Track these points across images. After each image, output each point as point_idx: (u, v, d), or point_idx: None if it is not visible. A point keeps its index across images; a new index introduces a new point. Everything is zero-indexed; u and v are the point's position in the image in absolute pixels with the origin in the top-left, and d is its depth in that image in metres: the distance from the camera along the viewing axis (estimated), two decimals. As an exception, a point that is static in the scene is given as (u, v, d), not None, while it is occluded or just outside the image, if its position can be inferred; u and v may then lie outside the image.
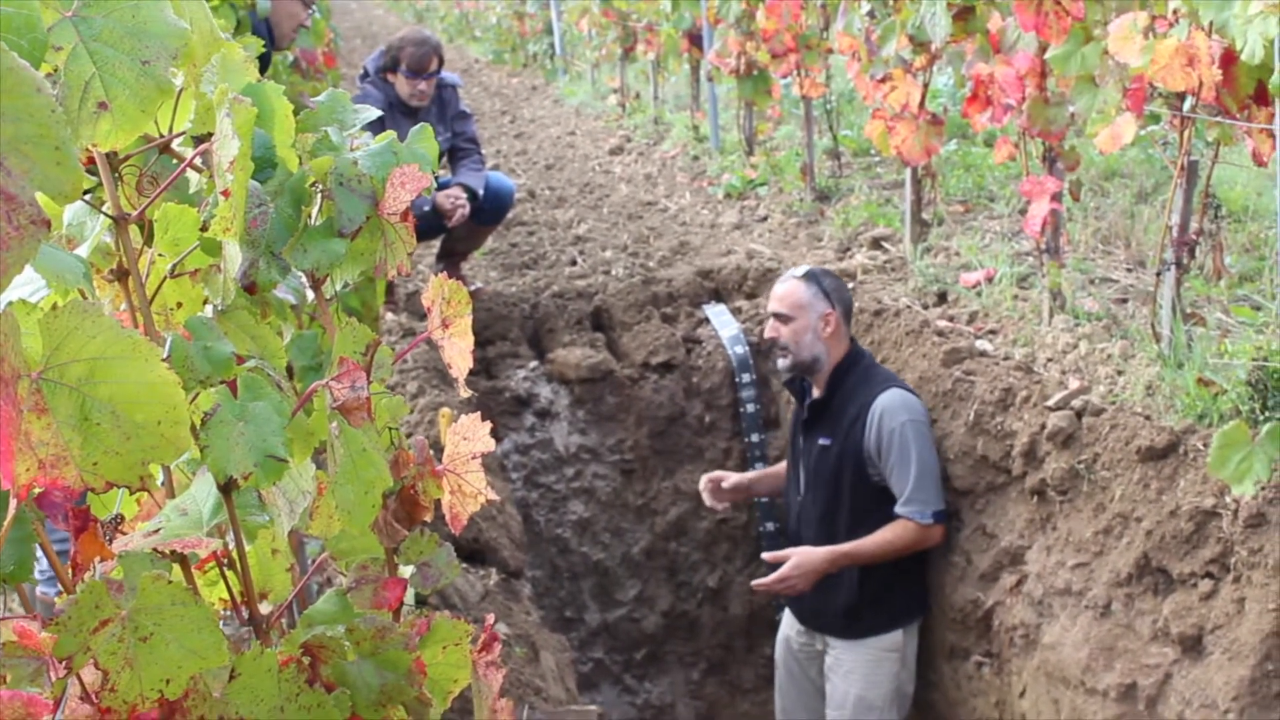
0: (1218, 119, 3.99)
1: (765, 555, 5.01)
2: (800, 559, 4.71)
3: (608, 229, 7.97)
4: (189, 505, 1.29)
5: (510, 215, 7.75)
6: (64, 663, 1.07)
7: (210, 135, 1.30)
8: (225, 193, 1.23)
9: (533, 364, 6.32)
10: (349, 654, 1.35)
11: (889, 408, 4.64)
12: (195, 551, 1.24)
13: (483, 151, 6.83)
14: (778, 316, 4.88)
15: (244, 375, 1.27)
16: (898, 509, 4.65)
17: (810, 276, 4.89)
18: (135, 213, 1.29)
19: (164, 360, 1.11)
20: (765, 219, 7.72)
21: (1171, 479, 3.82)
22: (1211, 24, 3.63)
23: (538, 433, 6.20)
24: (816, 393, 4.87)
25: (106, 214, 1.28)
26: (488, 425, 1.51)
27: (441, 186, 6.34)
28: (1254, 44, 3.35)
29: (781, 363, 4.92)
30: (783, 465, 5.53)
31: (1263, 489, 3.41)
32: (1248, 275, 5.11)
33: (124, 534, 1.29)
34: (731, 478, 5.35)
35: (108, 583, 1.09)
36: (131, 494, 1.35)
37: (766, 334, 4.99)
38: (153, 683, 1.09)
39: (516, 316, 6.52)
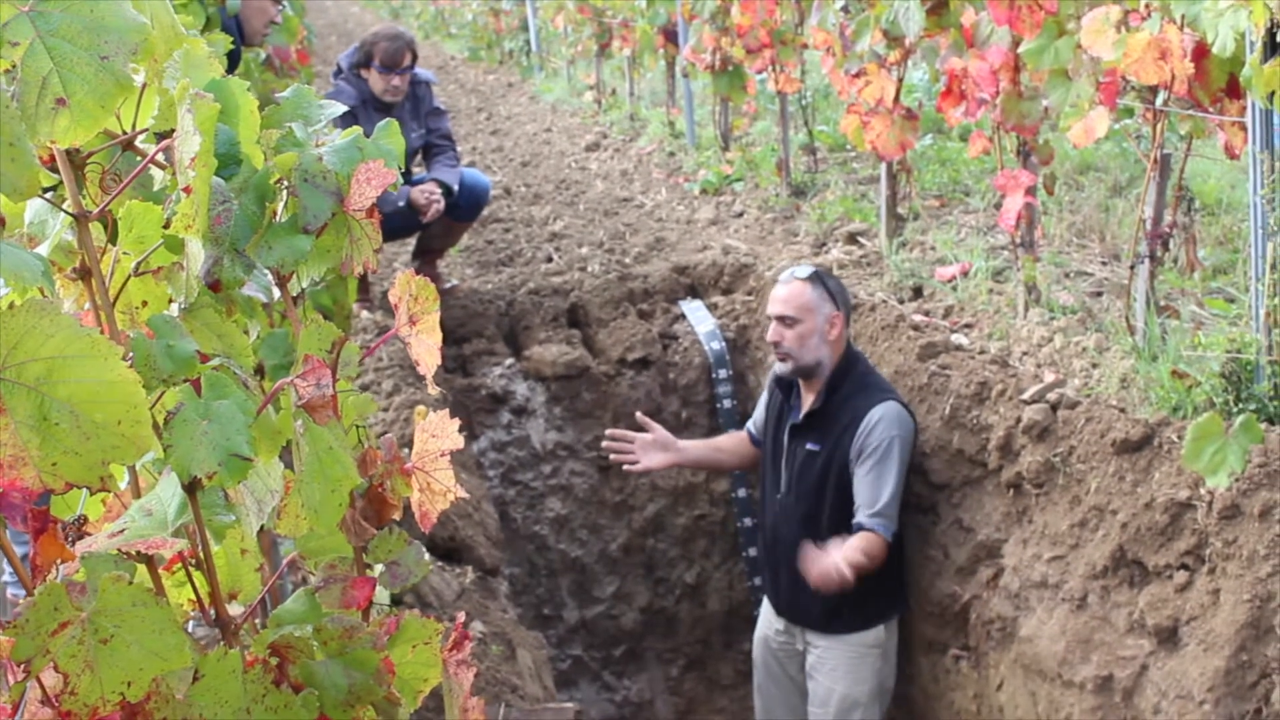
0: (1190, 112, 4.00)
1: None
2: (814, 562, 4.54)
3: (584, 226, 7.96)
4: (154, 505, 1.27)
5: (486, 212, 7.73)
6: (23, 666, 1.05)
7: (173, 132, 1.28)
8: (187, 189, 1.21)
9: (509, 361, 6.30)
10: (317, 654, 1.33)
11: (886, 418, 4.55)
12: (160, 552, 1.22)
13: (458, 148, 6.81)
14: (782, 320, 4.68)
15: (208, 374, 1.26)
16: (864, 519, 4.52)
17: (816, 278, 4.72)
18: (96, 210, 1.28)
19: (124, 359, 1.10)
20: (741, 214, 7.72)
21: (1146, 471, 3.83)
22: (1183, 17, 3.64)
23: (514, 430, 6.18)
24: (810, 398, 4.77)
25: (67, 211, 1.26)
26: (456, 423, 1.50)
27: (416, 183, 6.31)
28: (1225, 37, 3.36)
29: (781, 367, 4.76)
30: (721, 439, 5.48)
31: (1236, 480, 3.41)
32: (1221, 268, 5.13)
33: (88, 535, 1.28)
34: (659, 429, 5.19)
35: (68, 585, 1.07)
36: (92, 494, 1.33)
37: (769, 338, 4.77)
38: (114, 685, 1.08)
39: (492, 314, 6.50)
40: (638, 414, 5.37)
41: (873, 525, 4.52)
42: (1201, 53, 3.69)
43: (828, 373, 4.70)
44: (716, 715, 6.25)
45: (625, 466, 5.23)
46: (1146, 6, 3.82)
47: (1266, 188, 3.61)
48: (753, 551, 5.74)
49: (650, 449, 5.15)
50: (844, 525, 4.64)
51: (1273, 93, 3.25)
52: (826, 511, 4.70)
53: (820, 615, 4.80)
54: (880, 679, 4.82)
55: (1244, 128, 3.75)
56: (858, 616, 4.77)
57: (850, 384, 4.69)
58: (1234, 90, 3.78)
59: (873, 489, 4.55)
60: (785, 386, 4.91)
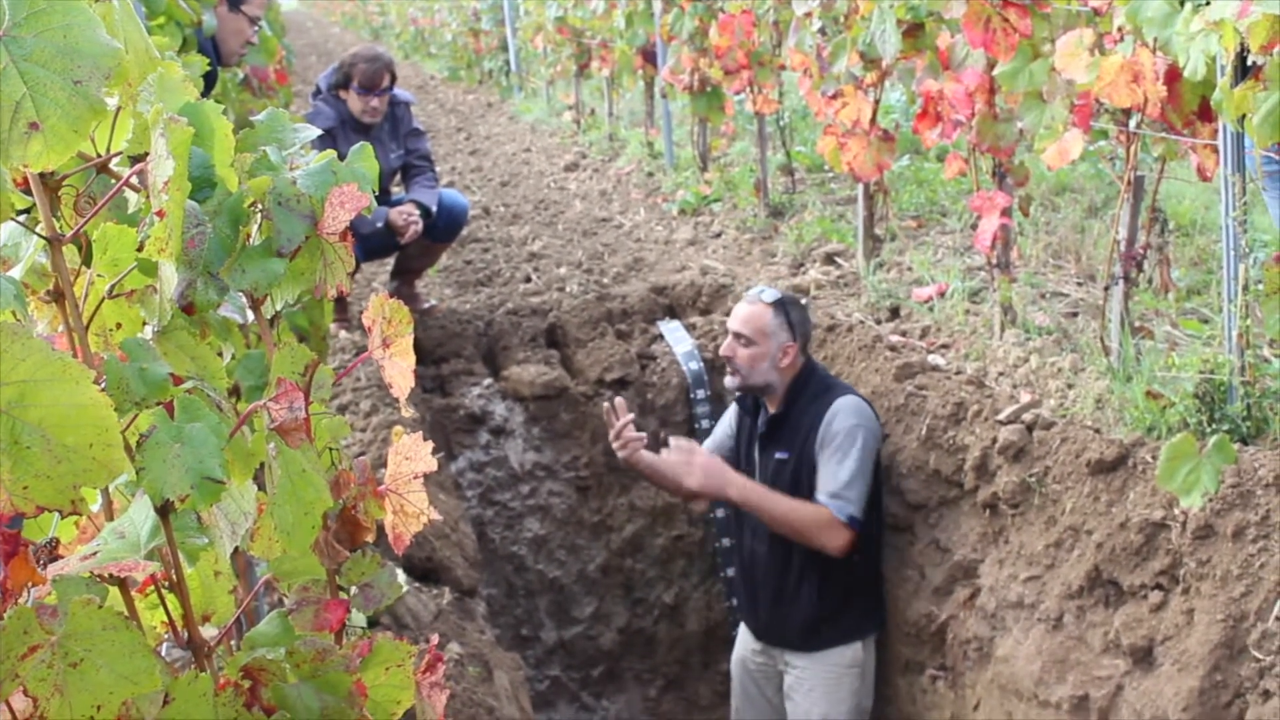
0: (1163, 135, 4.03)
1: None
2: (703, 460, 4.69)
3: (562, 246, 7.96)
4: (127, 528, 1.27)
5: (465, 232, 7.73)
6: (-8, 690, 1.05)
7: (148, 155, 1.29)
8: (160, 213, 1.22)
9: (487, 381, 6.30)
10: (289, 676, 1.33)
11: (845, 409, 4.63)
12: (133, 575, 1.22)
13: (436, 169, 6.81)
14: (737, 336, 4.79)
15: (181, 397, 1.26)
16: (819, 496, 4.59)
17: (780, 305, 4.79)
18: (69, 234, 1.28)
19: (97, 382, 1.10)
20: (719, 235, 7.74)
21: (1121, 491, 3.85)
22: (1155, 41, 3.67)
23: (492, 450, 6.18)
24: (772, 409, 4.85)
25: (40, 235, 1.26)
26: (429, 445, 1.51)
27: (395, 204, 6.31)
28: (1196, 61, 3.39)
29: (730, 381, 4.89)
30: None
31: (1210, 501, 3.43)
32: (1195, 289, 5.16)
33: (61, 558, 1.28)
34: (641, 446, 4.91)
35: (38, 608, 1.07)
36: (63, 517, 1.33)
37: (722, 351, 4.89)
38: (83, 709, 1.08)
39: (471, 334, 6.50)
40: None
41: (826, 504, 4.57)
42: (1174, 76, 3.72)
43: (780, 391, 4.81)
44: (695, 736, 6.24)
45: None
46: (1119, 30, 3.85)
47: (1238, 210, 3.63)
48: (731, 572, 5.74)
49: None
50: None
51: (1243, 116, 3.27)
52: None
53: (798, 634, 4.82)
54: (858, 699, 4.82)
55: (1216, 150, 3.78)
56: (835, 632, 4.79)
57: (811, 390, 4.79)
58: (1206, 113, 3.81)
59: (832, 472, 4.60)
60: (750, 406, 4.96)
